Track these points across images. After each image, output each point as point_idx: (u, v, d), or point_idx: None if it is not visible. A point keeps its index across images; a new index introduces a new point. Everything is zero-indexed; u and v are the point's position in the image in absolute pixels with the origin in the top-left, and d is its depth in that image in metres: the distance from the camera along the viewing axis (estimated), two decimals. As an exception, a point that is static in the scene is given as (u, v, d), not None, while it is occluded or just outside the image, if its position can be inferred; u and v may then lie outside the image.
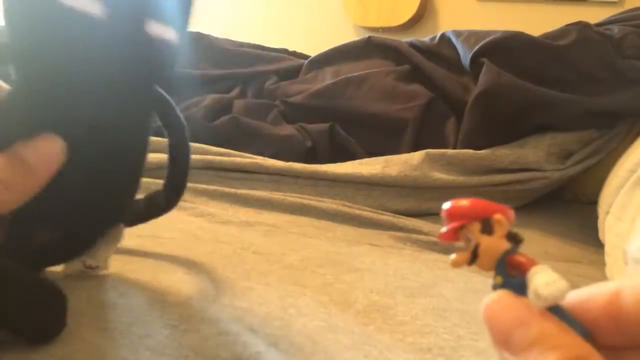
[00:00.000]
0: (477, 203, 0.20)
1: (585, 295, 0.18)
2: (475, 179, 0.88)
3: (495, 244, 0.19)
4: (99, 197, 0.31)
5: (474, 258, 0.20)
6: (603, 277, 0.66)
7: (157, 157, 0.54)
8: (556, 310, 0.18)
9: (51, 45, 0.27)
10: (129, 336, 0.32)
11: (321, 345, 0.35)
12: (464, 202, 0.20)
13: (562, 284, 0.18)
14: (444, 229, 0.20)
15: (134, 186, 0.34)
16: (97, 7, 0.27)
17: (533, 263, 0.19)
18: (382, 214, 0.76)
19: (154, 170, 0.54)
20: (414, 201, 0.85)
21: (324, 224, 0.70)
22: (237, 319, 0.36)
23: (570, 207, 1.00)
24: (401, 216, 0.77)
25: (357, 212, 0.74)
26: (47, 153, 0.27)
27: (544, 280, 0.18)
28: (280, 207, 0.74)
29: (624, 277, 0.55)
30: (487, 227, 0.19)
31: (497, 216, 0.19)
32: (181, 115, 0.36)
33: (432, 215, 0.87)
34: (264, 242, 0.57)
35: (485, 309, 0.19)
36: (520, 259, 0.19)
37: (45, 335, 0.29)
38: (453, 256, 0.20)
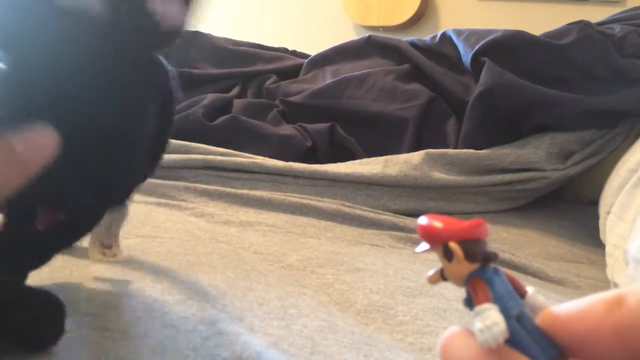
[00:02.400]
0: (437, 229, 0.19)
1: (581, 306, 0.17)
2: (475, 179, 0.88)
3: (454, 270, 0.19)
4: (98, 181, 0.30)
5: (445, 277, 0.20)
6: (603, 277, 0.66)
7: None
8: (517, 339, 0.18)
9: (42, 40, 0.26)
10: (129, 336, 0.31)
11: (321, 345, 0.35)
12: (432, 224, 0.20)
13: (496, 330, 0.17)
14: (417, 248, 0.20)
15: (138, 167, 0.33)
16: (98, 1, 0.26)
17: (480, 300, 0.18)
18: (382, 214, 0.76)
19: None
20: (414, 201, 0.85)
21: (324, 224, 0.70)
22: (237, 319, 0.36)
23: (570, 207, 1.00)
24: (401, 216, 0.77)
25: (357, 212, 0.74)
26: (39, 145, 0.26)
27: (479, 325, 0.18)
28: (280, 207, 0.74)
29: (625, 279, 0.55)
30: (447, 254, 0.19)
31: (451, 244, 0.19)
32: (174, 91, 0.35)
33: (433, 215, 0.87)
34: (263, 242, 0.57)
35: (441, 346, 0.19)
36: (475, 289, 0.19)
37: (43, 344, 0.29)
38: (430, 273, 0.20)
